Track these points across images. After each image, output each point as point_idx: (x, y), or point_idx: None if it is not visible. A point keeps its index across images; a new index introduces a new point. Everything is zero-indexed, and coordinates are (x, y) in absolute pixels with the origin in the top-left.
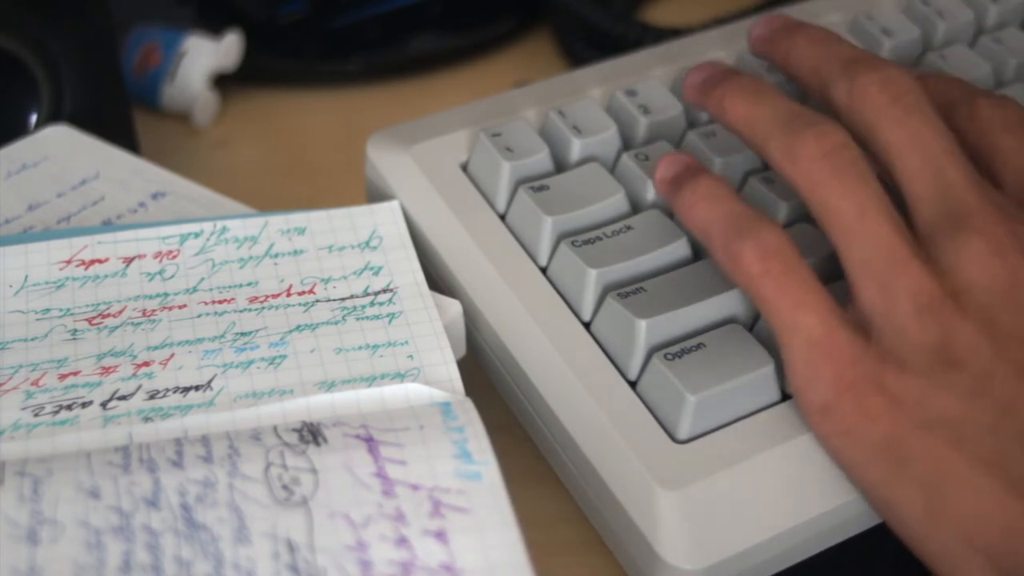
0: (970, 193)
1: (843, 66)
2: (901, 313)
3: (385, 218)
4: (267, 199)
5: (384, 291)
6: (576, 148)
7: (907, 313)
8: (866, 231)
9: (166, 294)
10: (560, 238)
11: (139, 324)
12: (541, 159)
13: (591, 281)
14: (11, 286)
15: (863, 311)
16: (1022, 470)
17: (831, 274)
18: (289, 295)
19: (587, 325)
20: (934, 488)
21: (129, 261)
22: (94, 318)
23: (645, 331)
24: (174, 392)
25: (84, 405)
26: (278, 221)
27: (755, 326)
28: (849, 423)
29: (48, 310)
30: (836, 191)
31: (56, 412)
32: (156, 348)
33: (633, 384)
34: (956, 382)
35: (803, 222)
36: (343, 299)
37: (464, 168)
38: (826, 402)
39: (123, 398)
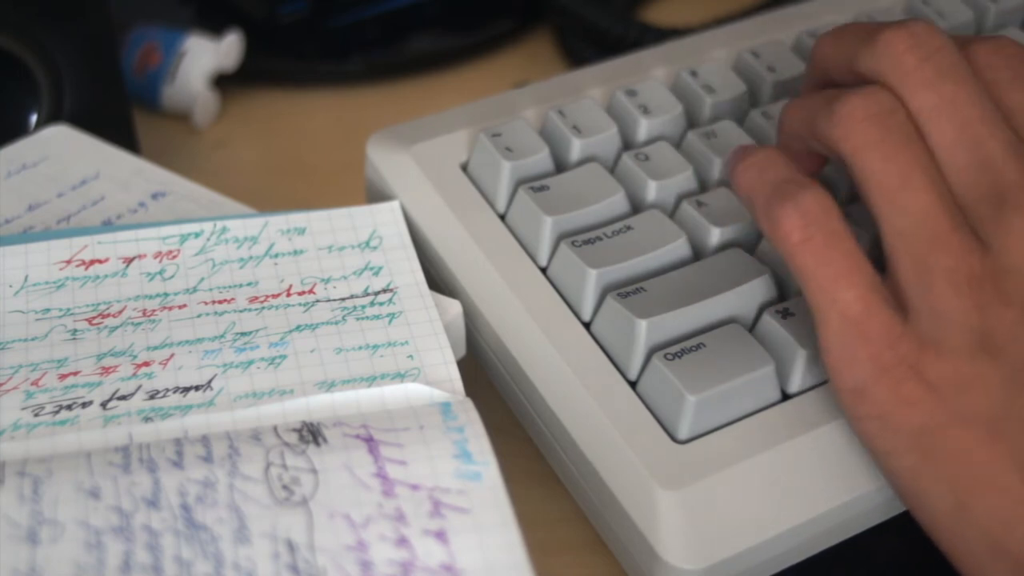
0: (1012, 166)
1: (867, 32)
2: (937, 293)
3: (385, 218)
4: (267, 199)
5: (384, 291)
6: (576, 148)
7: (944, 294)
8: (907, 200)
9: (166, 294)
10: (560, 238)
11: (139, 324)
12: (541, 159)
13: (591, 281)
14: (11, 286)
15: (899, 286)
16: None
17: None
18: (289, 295)
19: (587, 325)
20: (964, 486)
21: (129, 261)
22: (94, 318)
23: (645, 331)
24: (174, 392)
25: (84, 405)
26: (278, 221)
27: (755, 326)
28: (884, 408)
29: (48, 310)
30: (879, 155)
31: (56, 412)
32: (156, 348)
33: (633, 384)
34: (993, 372)
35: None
36: (343, 299)
37: (464, 168)
38: (861, 384)
39: (123, 398)
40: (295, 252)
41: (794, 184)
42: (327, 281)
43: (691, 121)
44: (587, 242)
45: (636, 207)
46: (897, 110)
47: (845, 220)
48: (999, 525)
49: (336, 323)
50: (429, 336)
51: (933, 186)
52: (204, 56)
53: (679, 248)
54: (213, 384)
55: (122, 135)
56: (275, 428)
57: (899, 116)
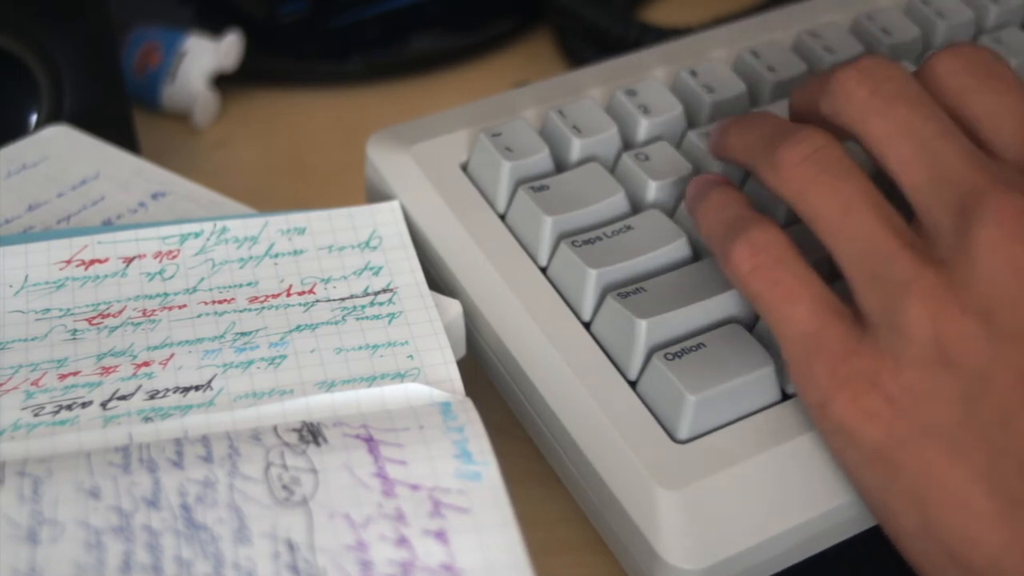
0: (971, 174)
1: (824, 77)
2: (892, 305)
3: (385, 218)
4: (267, 199)
5: (384, 291)
6: (576, 148)
7: (898, 305)
8: (853, 226)
9: (166, 294)
10: (560, 238)
11: (139, 324)
12: (541, 159)
13: (591, 281)
14: (11, 286)
15: (861, 306)
16: (1016, 492)
17: (832, 275)
18: (289, 295)
19: (587, 325)
20: (926, 500)
21: (129, 261)
22: (94, 318)
23: (645, 331)
24: (174, 392)
25: (84, 405)
26: (278, 221)
27: (755, 326)
28: (844, 422)
29: (48, 310)
30: (819, 191)
31: (56, 412)
32: (156, 348)
33: (633, 384)
34: (951, 383)
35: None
36: (343, 299)
37: (464, 168)
38: (822, 399)
39: (123, 398)
40: (295, 252)
41: (743, 219)
42: (327, 281)
43: (691, 121)
44: (587, 242)
45: (636, 207)
46: (829, 145)
47: (794, 246)
48: (961, 541)
49: (336, 323)
50: (429, 336)
51: (876, 209)
52: (204, 56)
53: (679, 248)
54: (213, 384)
55: (122, 135)
56: (275, 428)
57: (833, 151)
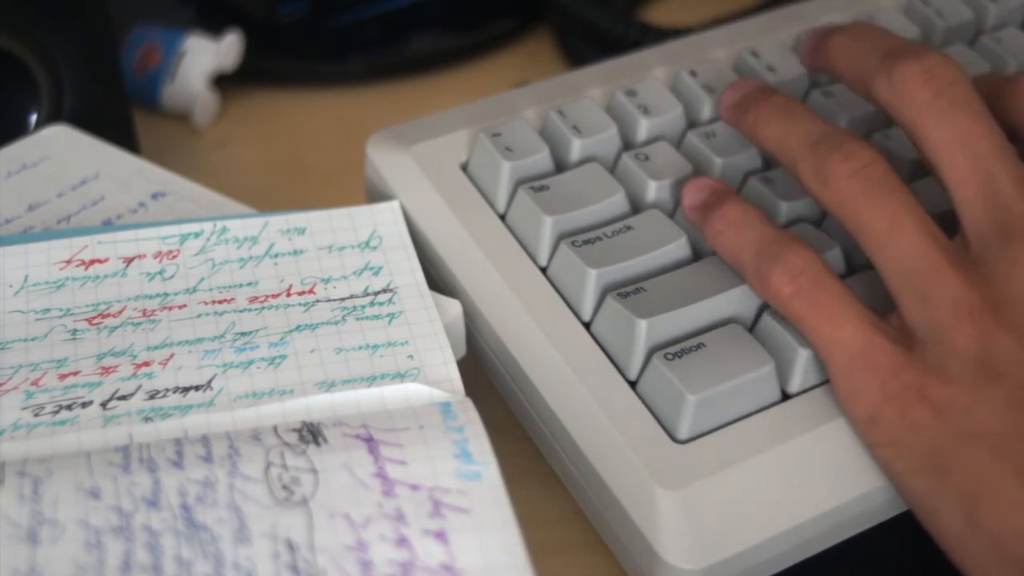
0: (1020, 200)
1: (882, 57)
2: (940, 323)
3: (385, 218)
4: (267, 199)
5: (384, 291)
6: (576, 148)
7: (946, 323)
8: (899, 242)
9: (166, 294)
10: (560, 238)
11: (139, 324)
12: (541, 159)
13: (591, 281)
14: (11, 286)
15: (906, 322)
16: None
17: (841, 271)
18: (289, 295)
19: (587, 325)
20: (974, 500)
21: (129, 261)
22: (94, 318)
23: (645, 331)
24: (174, 392)
25: (84, 405)
26: (278, 221)
27: (755, 326)
28: (894, 434)
29: (48, 310)
30: (867, 206)
31: (56, 412)
32: (156, 348)
33: (633, 384)
34: (997, 395)
35: (804, 222)
36: (343, 299)
37: (464, 168)
38: (871, 413)
39: (123, 398)
40: (295, 252)
41: (777, 244)
42: (327, 281)
43: (691, 121)
44: (587, 242)
45: (636, 207)
46: (877, 161)
47: (828, 267)
48: (1010, 536)
49: (336, 323)
50: (429, 336)
51: (922, 226)
52: (204, 56)
53: (679, 248)
54: (213, 384)
55: (122, 135)
56: (275, 428)
57: (880, 167)
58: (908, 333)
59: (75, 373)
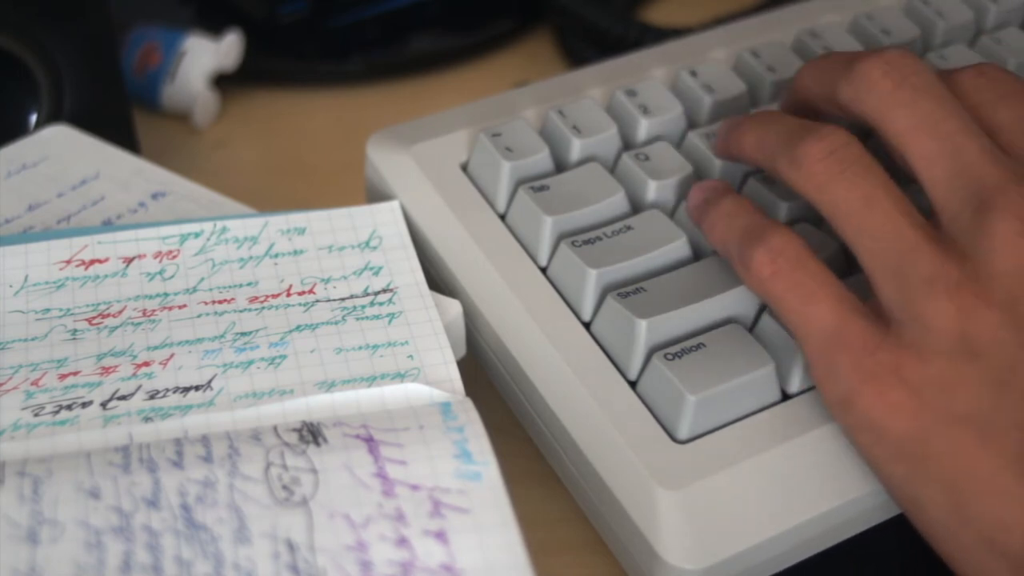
0: (992, 170)
1: (845, 63)
2: (916, 300)
3: (385, 218)
4: (267, 199)
5: (384, 291)
6: (576, 148)
7: (922, 300)
8: (874, 220)
9: (166, 294)
10: (560, 238)
11: (139, 324)
12: (541, 159)
13: (591, 281)
14: (11, 286)
15: (883, 302)
16: None
17: (840, 271)
18: (289, 295)
19: (587, 325)
20: (958, 488)
21: (129, 261)
22: (94, 318)
23: (645, 331)
24: (174, 392)
25: (84, 405)
26: (278, 221)
27: (755, 326)
28: (871, 416)
29: (48, 310)
30: (841, 187)
31: (56, 412)
32: (156, 348)
33: (633, 384)
34: (978, 373)
35: (804, 222)
36: (343, 299)
37: (464, 168)
38: (846, 394)
39: (123, 398)
40: (295, 252)
41: (760, 227)
42: (327, 281)
43: (691, 121)
44: (587, 242)
45: (636, 207)
46: (851, 143)
47: (810, 249)
48: (996, 525)
49: (336, 323)
50: (429, 336)
51: (897, 205)
52: (204, 56)
53: (679, 248)
54: (213, 384)
55: (122, 135)
56: (275, 428)
57: (854, 148)
58: (886, 314)
59: (75, 373)
